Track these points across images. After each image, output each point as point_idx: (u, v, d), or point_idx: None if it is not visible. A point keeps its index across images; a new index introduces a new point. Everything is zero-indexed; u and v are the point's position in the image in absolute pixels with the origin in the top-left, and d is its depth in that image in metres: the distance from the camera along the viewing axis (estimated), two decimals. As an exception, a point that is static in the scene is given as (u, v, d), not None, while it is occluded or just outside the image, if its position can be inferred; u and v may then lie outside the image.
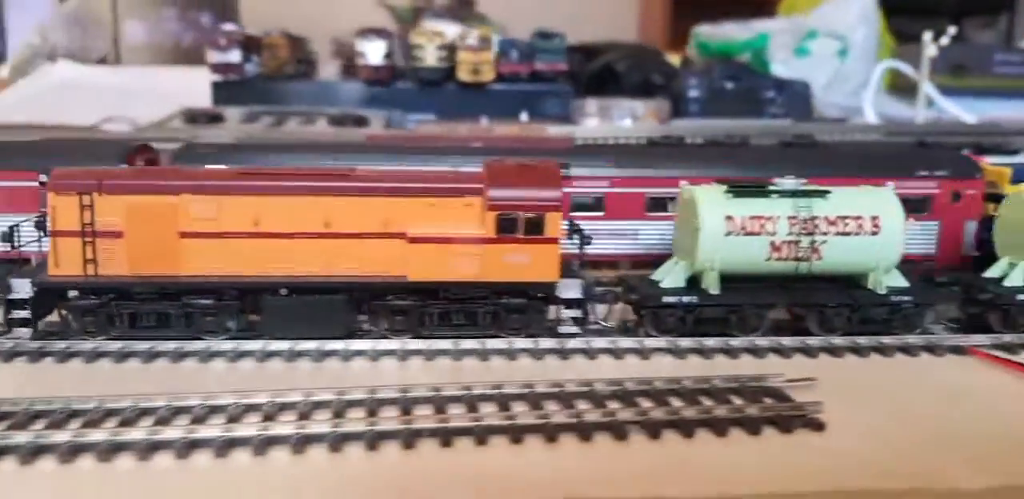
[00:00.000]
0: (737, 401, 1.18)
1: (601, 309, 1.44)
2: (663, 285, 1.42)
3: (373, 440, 1.03)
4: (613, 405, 1.15)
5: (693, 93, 3.36)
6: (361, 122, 3.17)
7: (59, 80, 4.78)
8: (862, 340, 1.44)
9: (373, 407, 1.12)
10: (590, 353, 1.35)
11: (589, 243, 1.40)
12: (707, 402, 1.17)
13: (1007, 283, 1.51)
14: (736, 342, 1.40)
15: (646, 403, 1.16)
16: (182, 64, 7.72)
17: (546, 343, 1.35)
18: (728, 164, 1.78)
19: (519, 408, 1.13)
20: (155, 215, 1.28)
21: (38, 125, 3.99)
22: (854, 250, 1.41)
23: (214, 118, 3.23)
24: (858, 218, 1.40)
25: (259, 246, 1.28)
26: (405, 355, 1.32)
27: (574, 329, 1.38)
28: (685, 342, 1.40)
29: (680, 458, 1.04)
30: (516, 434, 1.06)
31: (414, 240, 1.28)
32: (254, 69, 3.63)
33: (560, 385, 1.19)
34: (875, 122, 3.56)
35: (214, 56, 3.55)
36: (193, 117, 3.24)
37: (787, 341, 1.42)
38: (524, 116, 3.33)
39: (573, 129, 2.98)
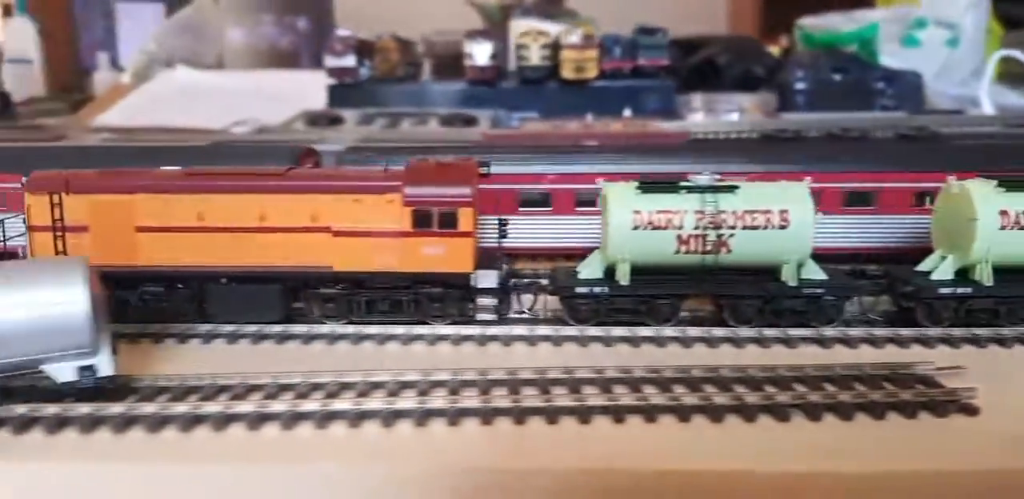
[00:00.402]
0: (890, 387, 1.22)
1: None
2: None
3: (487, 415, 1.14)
4: (770, 389, 1.21)
5: (800, 86, 3.34)
6: (470, 121, 3.28)
7: (178, 84, 5.05)
8: (1006, 332, 1.45)
9: (485, 387, 1.23)
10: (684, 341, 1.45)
11: (506, 236, 1.49)
12: (861, 388, 1.22)
13: (934, 276, 1.49)
14: (855, 332, 1.44)
15: (800, 388, 1.22)
16: (279, 67, 8.03)
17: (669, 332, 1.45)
18: (853, 159, 1.80)
19: (680, 389, 1.22)
20: (114, 212, 1.44)
21: (170, 128, 4.25)
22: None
23: (334, 120, 3.39)
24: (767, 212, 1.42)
25: (203, 239, 1.43)
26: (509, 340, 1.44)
27: (491, 317, 1.45)
28: (796, 332, 1.44)
29: (839, 437, 1.10)
30: (685, 414, 1.14)
31: (338, 234, 1.40)
32: (367, 72, 3.78)
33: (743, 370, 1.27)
34: (992, 113, 3.47)
35: (331, 61, 3.72)
36: (314, 120, 3.41)
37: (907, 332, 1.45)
38: (627, 112, 3.38)
39: (681, 124, 3.01)
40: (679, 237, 1.42)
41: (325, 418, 1.12)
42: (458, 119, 3.31)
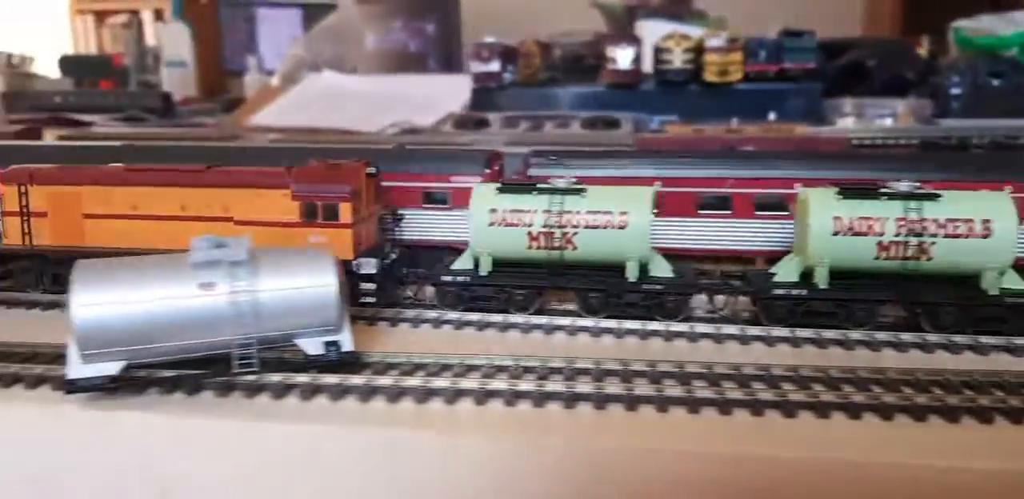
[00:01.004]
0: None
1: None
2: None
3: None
4: (908, 391, 1.25)
5: (956, 91, 3.24)
6: (613, 124, 3.35)
7: (324, 87, 5.33)
8: None
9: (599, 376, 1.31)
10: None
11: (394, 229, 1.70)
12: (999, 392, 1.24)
13: (777, 278, 1.55)
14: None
15: (938, 390, 1.25)
16: (408, 70, 8.30)
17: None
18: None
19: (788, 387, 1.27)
20: (66, 201, 1.70)
21: (320, 128, 4.50)
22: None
23: (480, 123, 3.53)
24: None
25: (136, 225, 1.66)
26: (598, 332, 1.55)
27: (371, 300, 1.60)
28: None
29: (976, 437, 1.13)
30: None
31: (239, 222, 1.59)
32: (510, 77, 3.91)
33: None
34: None
35: (477, 66, 3.86)
36: (462, 122, 3.57)
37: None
38: (772, 116, 3.38)
39: (832, 129, 2.99)
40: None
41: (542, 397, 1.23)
42: (600, 122, 3.38)
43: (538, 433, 1.15)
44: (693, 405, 1.21)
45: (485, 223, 1.59)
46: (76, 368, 1.18)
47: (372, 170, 1.61)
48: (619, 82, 3.69)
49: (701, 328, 1.52)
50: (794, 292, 1.51)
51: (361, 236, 1.60)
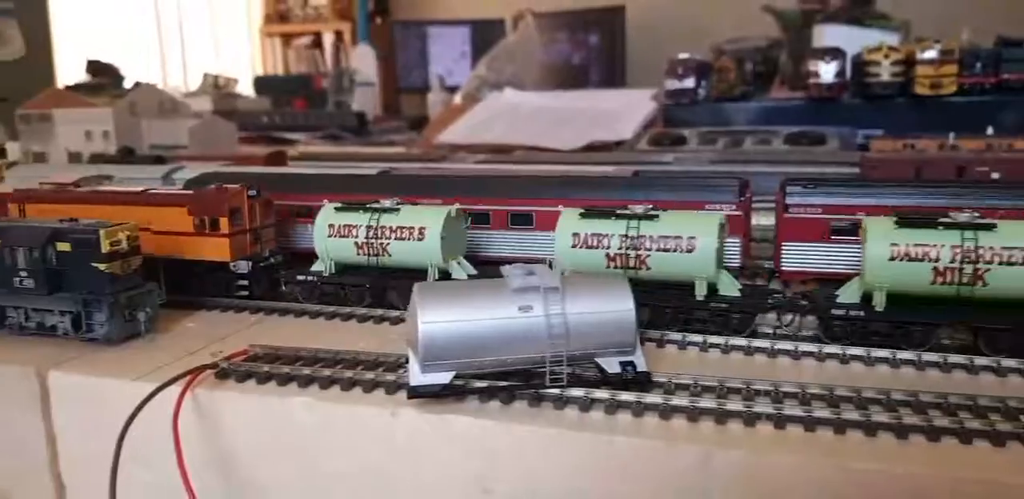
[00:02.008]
0: None
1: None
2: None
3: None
4: None
5: None
6: (819, 140, 3.32)
7: (507, 105, 5.55)
8: None
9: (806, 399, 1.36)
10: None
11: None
12: None
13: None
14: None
15: None
16: (571, 83, 8.45)
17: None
18: None
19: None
20: (46, 215, 1.99)
21: (512, 145, 4.69)
22: None
23: (676, 140, 3.60)
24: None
25: None
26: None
27: (245, 293, 2.00)
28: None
29: None
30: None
31: (155, 232, 1.98)
32: (704, 93, 3.95)
33: None
34: None
35: (672, 83, 3.93)
36: (657, 139, 3.65)
37: None
38: (990, 130, 3.24)
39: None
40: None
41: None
42: (804, 137, 3.36)
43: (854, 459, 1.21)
44: None
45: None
46: (417, 377, 1.36)
47: (253, 193, 2.03)
48: (821, 96, 3.65)
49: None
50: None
51: (239, 244, 2.00)
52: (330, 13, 9.99)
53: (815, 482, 1.20)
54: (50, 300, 1.73)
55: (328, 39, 10.17)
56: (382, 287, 1.95)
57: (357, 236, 1.92)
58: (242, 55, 10.27)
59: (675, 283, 1.71)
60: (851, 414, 1.30)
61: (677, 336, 1.67)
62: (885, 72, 3.53)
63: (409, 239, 1.87)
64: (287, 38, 10.44)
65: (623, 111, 5.07)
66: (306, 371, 1.52)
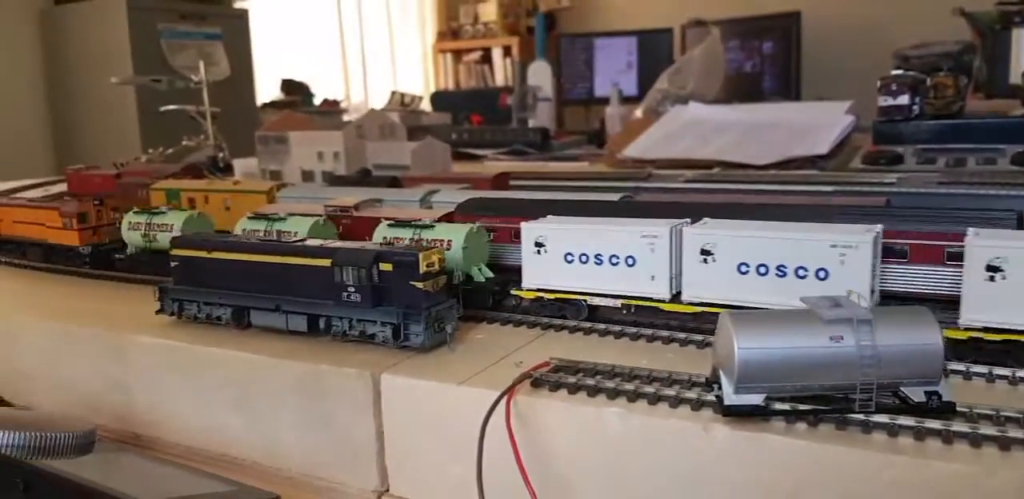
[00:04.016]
0: None
1: None
2: None
3: None
4: None
5: None
6: (1056, 160, 3.20)
7: (692, 118, 5.61)
8: None
9: None
10: None
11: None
12: None
13: None
14: None
15: None
16: (743, 93, 8.36)
17: None
18: None
19: None
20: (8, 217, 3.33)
21: (700, 160, 4.77)
22: None
23: (893, 159, 3.56)
24: None
25: (19, 228, 3.23)
26: None
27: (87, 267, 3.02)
28: None
29: None
30: None
31: (47, 228, 3.04)
32: (918, 109, 3.88)
33: None
34: None
35: (885, 100, 3.88)
36: (873, 158, 3.62)
37: None
38: None
39: None
40: None
41: None
42: (1036, 158, 3.25)
43: None
44: None
45: None
46: (730, 397, 1.50)
47: (97, 202, 3.00)
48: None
49: None
50: None
51: (86, 236, 2.97)
52: (500, 28, 10.39)
53: None
54: (374, 312, 2.00)
55: (497, 54, 10.58)
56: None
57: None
58: (416, 72, 10.85)
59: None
60: None
61: (961, 367, 1.73)
62: None
63: None
64: (458, 54, 10.94)
65: (818, 125, 5.02)
66: (610, 384, 1.70)
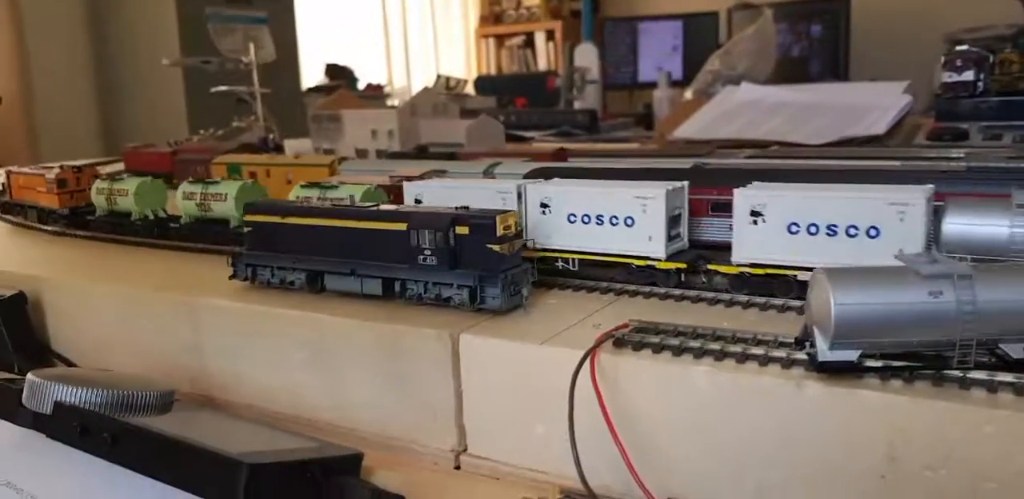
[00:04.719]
0: None
1: None
2: None
3: None
4: None
5: None
6: None
7: (744, 99, 5.54)
8: None
9: None
10: None
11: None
12: None
13: None
14: None
15: None
16: (790, 76, 8.22)
17: None
18: None
19: None
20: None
21: (754, 140, 4.71)
22: None
23: (959, 135, 3.49)
24: None
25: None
26: None
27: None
28: None
29: None
30: None
31: (38, 192, 3.40)
32: (983, 85, 3.80)
33: None
34: None
35: (949, 76, 3.81)
36: (937, 135, 3.55)
37: None
38: None
39: None
40: None
41: None
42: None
43: None
44: None
45: None
46: (824, 353, 1.49)
47: (76, 170, 3.37)
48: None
49: None
50: None
51: (64, 200, 3.30)
52: (543, 12, 10.34)
53: None
54: (450, 275, 2.01)
55: (540, 38, 10.54)
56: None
57: None
58: (458, 56, 10.86)
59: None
60: None
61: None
62: None
63: None
64: (500, 39, 10.92)
65: (874, 105, 4.93)
66: (694, 344, 1.69)
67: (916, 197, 1.80)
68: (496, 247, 1.97)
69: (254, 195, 2.76)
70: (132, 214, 3.02)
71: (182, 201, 2.88)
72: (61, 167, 3.41)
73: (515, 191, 2.30)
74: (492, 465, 1.89)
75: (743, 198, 1.98)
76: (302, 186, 2.60)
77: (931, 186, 1.92)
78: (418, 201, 2.46)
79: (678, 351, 1.68)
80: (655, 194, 2.10)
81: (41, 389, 1.73)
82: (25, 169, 3.69)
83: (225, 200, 2.74)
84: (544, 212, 2.24)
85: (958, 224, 1.77)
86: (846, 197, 1.88)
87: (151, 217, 3.02)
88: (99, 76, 8.22)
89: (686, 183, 2.21)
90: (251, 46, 5.60)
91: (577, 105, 7.08)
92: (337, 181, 2.63)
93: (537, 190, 2.26)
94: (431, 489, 1.83)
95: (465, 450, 1.94)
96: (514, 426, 1.85)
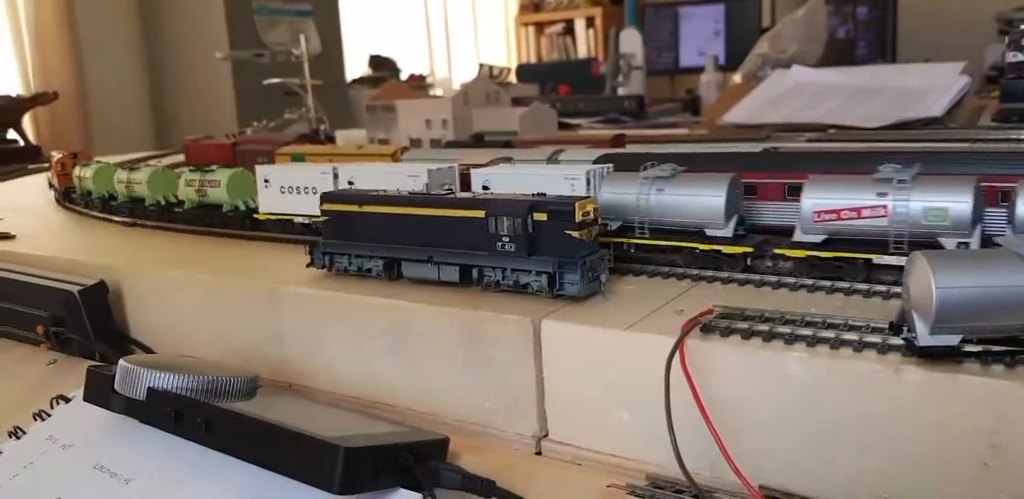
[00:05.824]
0: None
1: None
2: None
3: None
4: None
5: None
6: None
7: (795, 82, 5.46)
8: None
9: None
10: None
11: None
12: None
13: None
14: None
15: None
16: (836, 58, 8.06)
17: None
18: None
19: None
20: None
21: (807, 124, 4.64)
22: None
23: (1028, 115, 3.42)
24: None
25: None
26: None
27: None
28: None
29: None
30: None
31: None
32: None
33: None
34: None
35: (1015, 56, 3.72)
36: (1005, 116, 3.48)
37: None
38: None
39: None
40: None
41: None
42: None
43: None
44: None
45: None
46: (925, 338, 1.47)
47: (73, 155, 3.90)
48: None
49: None
50: None
51: (63, 180, 3.84)
52: (583, 0, 10.27)
53: None
54: (528, 262, 2.03)
55: (579, 25, 10.47)
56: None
57: None
58: (499, 45, 10.84)
59: None
60: None
61: None
62: None
63: None
64: (540, 26, 10.88)
65: (931, 87, 4.83)
66: (784, 330, 1.68)
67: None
68: (575, 233, 1.97)
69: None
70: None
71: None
72: (65, 153, 4.05)
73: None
74: (574, 451, 1.91)
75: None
76: (191, 170, 3.10)
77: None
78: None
79: (768, 337, 1.68)
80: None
81: (134, 375, 1.79)
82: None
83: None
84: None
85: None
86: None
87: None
88: (150, 71, 8.37)
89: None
90: (302, 38, 5.64)
91: (622, 92, 7.03)
92: (215, 166, 3.10)
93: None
94: (517, 474, 1.84)
95: (546, 435, 1.96)
96: (596, 412, 1.86)
